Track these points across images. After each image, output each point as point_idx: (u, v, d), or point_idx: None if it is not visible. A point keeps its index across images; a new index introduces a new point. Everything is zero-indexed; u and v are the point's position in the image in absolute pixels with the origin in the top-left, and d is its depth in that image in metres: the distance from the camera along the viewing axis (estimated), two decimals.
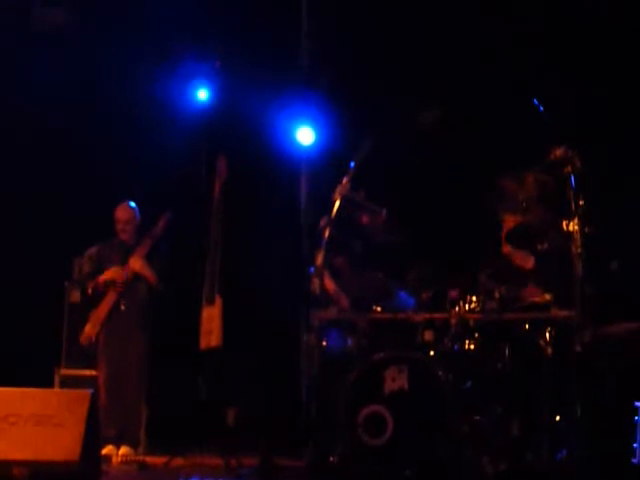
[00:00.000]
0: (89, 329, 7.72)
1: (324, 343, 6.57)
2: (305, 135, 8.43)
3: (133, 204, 7.88)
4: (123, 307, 7.73)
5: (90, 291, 7.77)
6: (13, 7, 8.57)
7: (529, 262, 6.50)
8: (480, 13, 7.88)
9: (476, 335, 6.36)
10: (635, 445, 1.32)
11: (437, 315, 6.50)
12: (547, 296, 6.23)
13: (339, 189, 6.60)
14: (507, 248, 6.62)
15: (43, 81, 8.37)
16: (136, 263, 7.72)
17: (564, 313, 6.06)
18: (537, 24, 7.71)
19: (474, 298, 6.39)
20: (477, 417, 6.24)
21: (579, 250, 5.79)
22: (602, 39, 7.55)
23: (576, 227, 5.80)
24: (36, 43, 8.49)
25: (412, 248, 6.95)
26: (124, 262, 7.75)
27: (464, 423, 6.17)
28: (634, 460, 1.33)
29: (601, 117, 7.39)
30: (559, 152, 5.90)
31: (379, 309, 6.72)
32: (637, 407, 1.33)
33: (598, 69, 7.49)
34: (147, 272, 7.70)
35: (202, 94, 8.55)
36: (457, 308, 6.40)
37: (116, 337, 7.69)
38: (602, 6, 7.56)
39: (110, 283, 7.72)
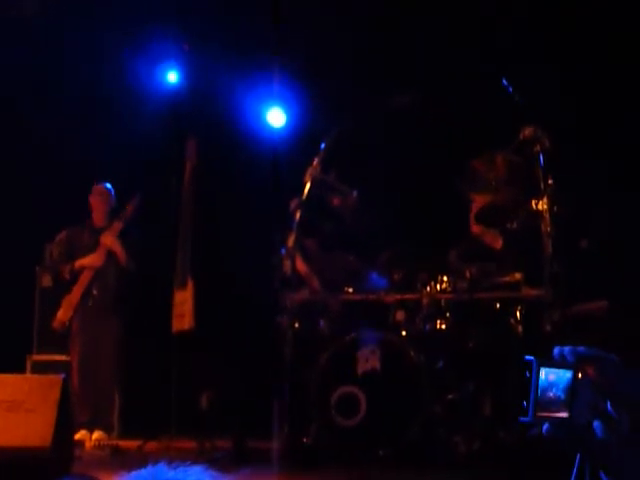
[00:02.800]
0: (62, 314, 7.70)
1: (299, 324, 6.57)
2: (276, 117, 8.40)
3: (109, 185, 7.88)
4: (95, 292, 7.71)
5: (67, 276, 7.74)
6: None
7: (499, 242, 6.53)
8: (456, 12, 7.87)
9: (447, 315, 6.39)
10: (525, 403, 1.34)
11: (408, 295, 6.52)
12: (517, 275, 6.26)
13: (310, 171, 6.60)
14: (477, 228, 6.65)
15: (11, 65, 8.29)
16: (107, 239, 7.72)
17: (534, 292, 6.09)
18: (504, 5, 7.71)
19: (445, 278, 6.41)
20: (450, 396, 6.27)
21: (549, 229, 5.81)
22: (570, 18, 7.56)
23: (545, 206, 5.82)
24: (3, 27, 8.40)
25: (383, 229, 6.96)
26: (95, 246, 7.73)
27: (437, 403, 6.21)
28: (524, 419, 1.34)
29: (569, 96, 7.42)
30: (528, 132, 5.92)
31: (351, 290, 6.73)
32: (528, 361, 1.33)
33: (566, 48, 7.50)
34: (118, 248, 7.69)
35: (172, 77, 8.50)
36: (428, 288, 6.42)
37: (88, 321, 7.67)
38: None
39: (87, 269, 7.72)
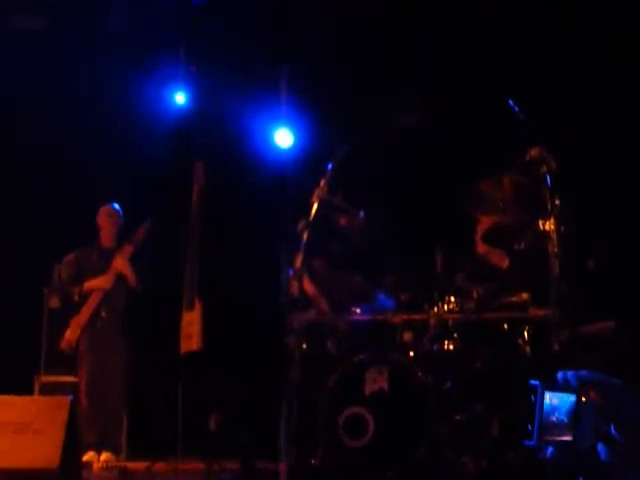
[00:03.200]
0: (69, 334, 7.71)
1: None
2: (283, 138, 8.43)
3: (117, 206, 7.90)
4: (104, 313, 7.72)
5: (77, 298, 7.75)
6: None
7: (505, 262, 6.53)
8: (456, 15, 7.90)
9: (455, 335, 6.38)
10: (530, 427, 1.34)
11: (416, 316, 6.51)
12: (524, 295, 6.25)
13: (317, 192, 6.60)
14: (482, 248, 6.64)
15: (21, 88, 8.34)
16: (118, 262, 7.73)
17: (542, 312, 6.07)
18: (510, 25, 7.73)
19: (452, 298, 6.41)
20: (457, 417, 6.25)
21: (556, 249, 5.80)
22: (578, 40, 7.58)
23: (552, 227, 5.81)
24: (10, 48, 8.45)
25: (390, 250, 6.96)
26: (104, 267, 7.74)
27: (445, 423, 6.18)
28: (529, 442, 1.34)
29: (576, 117, 7.42)
30: (534, 152, 5.91)
31: (358, 311, 6.73)
32: (534, 386, 1.33)
33: (573, 69, 7.52)
34: (128, 271, 7.70)
35: (179, 98, 8.54)
36: (435, 309, 6.42)
37: (96, 342, 7.68)
38: (578, 7, 7.60)
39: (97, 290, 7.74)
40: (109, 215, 7.90)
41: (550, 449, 1.39)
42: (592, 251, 6.36)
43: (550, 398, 1.36)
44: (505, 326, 6.27)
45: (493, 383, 6.21)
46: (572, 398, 1.36)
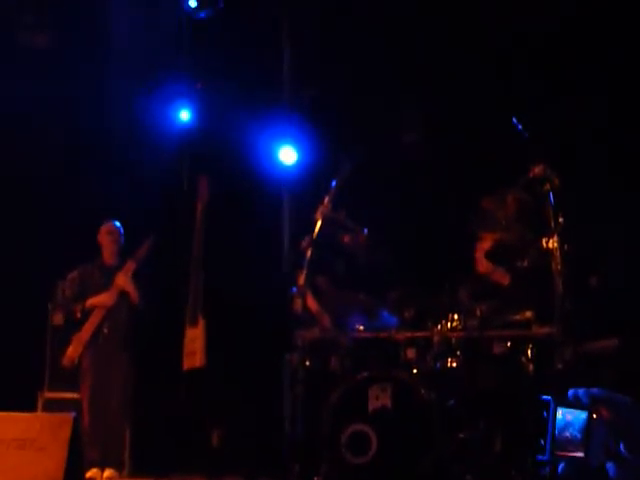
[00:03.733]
0: (71, 351, 7.71)
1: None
2: (287, 155, 8.46)
3: (118, 224, 7.91)
4: (106, 330, 7.72)
5: (79, 315, 7.75)
6: None
7: (507, 279, 6.53)
8: (458, 34, 7.93)
9: (458, 353, 6.38)
10: (542, 442, 1.35)
11: (419, 333, 6.51)
12: (528, 313, 6.25)
13: (321, 209, 6.63)
14: (484, 266, 6.64)
15: (24, 103, 8.36)
16: (120, 279, 7.73)
17: (545, 330, 6.08)
18: (513, 43, 7.76)
19: (455, 316, 6.41)
20: (461, 434, 6.25)
21: (559, 267, 5.81)
22: (581, 57, 7.60)
23: (555, 244, 5.82)
24: (14, 64, 8.49)
25: (393, 267, 6.97)
26: (107, 284, 7.75)
27: (448, 440, 6.18)
28: (541, 457, 1.35)
29: (579, 134, 7.44)
30: (538, 170, 5.93)
31: (361, 328, 6.73)
32: (546, 401, 1.34)
33: (576, 87, 7.54)
34: (131, 288, 7.70)
35: (184, 115, 8.58)
36: (439, 326, 6.42)
37: (98, 359, 7.68)
38: (579, 23, 7.62)
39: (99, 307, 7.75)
40: (109, 233, 7.90)
41: (562, 465, 1.40)
42: (595, 268, 6.36)
43: (563, 414, 1.37)
44: (508, 344, 6.27)
45: (496, 401, 6.21)
46: (584, 415, 1.36)
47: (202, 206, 7.83)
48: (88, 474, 7.09)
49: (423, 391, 6.17)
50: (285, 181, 8.56)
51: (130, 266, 7.77)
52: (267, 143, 8.44)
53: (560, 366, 5.79)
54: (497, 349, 6.27)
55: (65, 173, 8.51)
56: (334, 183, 6.67)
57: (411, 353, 6.47)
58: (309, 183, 8.05)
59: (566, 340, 5.85)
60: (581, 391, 1.44)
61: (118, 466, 7.56)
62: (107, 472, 7.45)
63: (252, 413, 8.05)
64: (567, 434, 1.44)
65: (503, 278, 6.54)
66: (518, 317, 6.31)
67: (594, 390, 1.44)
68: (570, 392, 1.45)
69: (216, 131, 8.38)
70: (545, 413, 1.44)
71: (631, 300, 6.26)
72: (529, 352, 6.17)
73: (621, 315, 6.12)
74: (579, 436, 1.44)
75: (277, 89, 8.73)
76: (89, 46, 8.56)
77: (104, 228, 7.90)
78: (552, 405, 1.44)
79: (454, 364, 6.38)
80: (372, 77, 8.17)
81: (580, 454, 1.43)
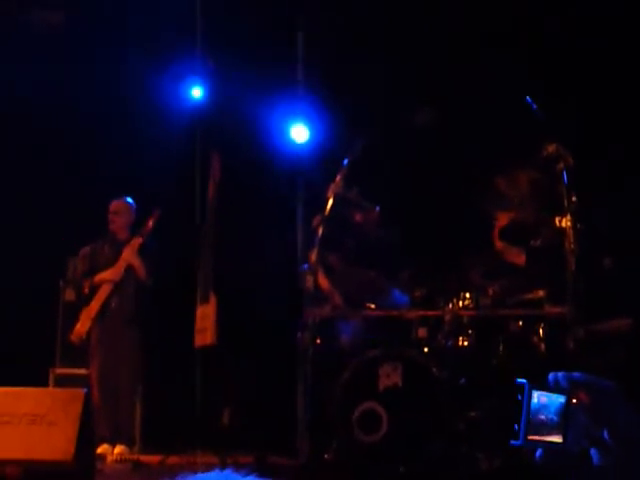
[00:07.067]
0: (79, 327, 7.73)
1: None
2: (299, 133, 8.44)
3: (130, 200, 7.91)
4: (113, 304, 7.74)
5: (87, 290, 7.78)
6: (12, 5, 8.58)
7: (522, 259, 6.51)
8: (471, 13, 7.88)
9: (470, 331, 6.36)
10: (516, 426, 1.32)
11: (431, 312, 6.50)
12: (540, 292, 6.23)
13: (332, 187, 6.60)
14: (500, 245, 6.63)
15: (37, 81, 8.36)
16: (127, 253, 7.75)
17: (557, 310, 6.06)
18: (526, 23, 7.71)
19: (467, 295, 6.39)
20: (472, 413, 6.24)
21: (572, 246, 5.79)
22: (595, 37, 7.55)
23: (569, 223, 5.79)
24: (28, 42, 8.47)
25: (405, 246, 6.95)
26: (116, 259, 7.76)
27: (458, 419, 6.18)
28: (515, 442, 1.32)
29: (593, 113, 7.40)
30: (551, 149, 5.90)
31: (373, 306, 6.73)
32: (520, 384, 1.31)
33: (590, 65, 7.49)
34: (137, 263, 7.71)
35: (196, 92, 8.55)
36: (450, 305, 6.41)
37: (107, 334, 7.70)
38: (592, 8, 7.57)
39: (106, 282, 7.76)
40: (119, 208, 7.91)
41: (539, 452, 1.37)
42: (609, 248, 6.33)
43: (538, 397, 1.34)
44: (520, 323, 6.26)
45: (507, 380, 6.19)
46: (562, 399, 1.33)
47: (214, 183, 7.81)
48: (99, 450, 7.12)
49: (434, 370, 6.16)
50: (297, 159, 8.54)
51: (137, 241, 7.79)
52: (279, 121, 8.42)
53: (572, 345, 5.77)
54: (509, 328, 6.26)
55: (78, 150, 8.51)
56: (346, 161, 6.64)
57: (422, 332, 6.46)
58: (321, 161, 8.03)
59: (578, 319, 5.83)
60: (561, 374, 1.41)
61: (129, 442, 7.59)
62: (118, 448, 7.47)
63: (263, 391, 8.06)
64: (542, 417, 1.40)
65: (517, 257, 6.52)
66: (530, 296, 6.30)
67: (575, 374, 1.41)
68: (550, 376, 1.42)
69: (229, 109, 8.36)
70: (519, 396, 1.41)
71: None
72: (541, 331, 6.16)
73: (634, 296, 6.09)
74: (555, 419, 1.40)
75: (290, 67, 8.70)
76: (103, 25, 8.54)
77: (114, 204, 7.91)
78: (527, 388, 1.41)
79: (465, 343, 6.37)
80: (386, 55, 8.13)
81: (556, 438, 1.40)
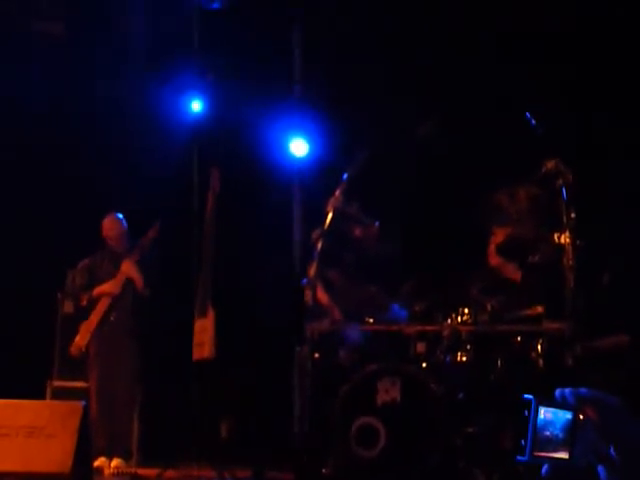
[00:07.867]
0: (79, 340, 7.74)
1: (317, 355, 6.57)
2: (298, 147, 8.44)
3: (120, 215, 7.90)
4: (113, 318, 7.75)
5: (85, 303, 7.78)
6: (13, 16, 8.59)
7: (518, 274, 6.51)
8: (472, 28, 7.90)
9: (468, 347, 6.36)
10: (522, 442, 1.32)
11: (429, 327, 6.50)
12: (539, 308, 6.23)
13: (332, 201, 6.60)
14: (495, 261, 6.63)
15: (37, 93, 8.37)
16: (126, 266, 7.75)
17: (556, 325, 6.06)
18: (527, 38, 7.73)
19: (466, 310, 6.39)
20: (469, 429, 6.24)
21: (571, 262, 5.79)
22: (595, 53, 7.57)
23: (568, 239, 5.80)
24: (27, 53, 8.49)
25: (404, 261, 6.96)
26: (115, 272, 7.77)
27: (456, 435, 6.17)
28: (521, 458, 1.32)
29: (592, 130, 7.42)
30: (550, 165, 5.90)
31: (372, 321, 6.73)
32: (528, 400, 1.31)
33: (588, 83, 7.51)
34: (135, 274, 7.72)
35: (195, 106, 8.56)
36: (449, 320, 6.41)
37: (106, 347, 7.70)
38: (590, 20, 7.60)
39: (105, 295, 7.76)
40: (111, 225, 7.90)
41: (545, 467, 1.36)
42: (607, 265, 6.34)
43: (544, 413, 1.33)
44: (519, 339, 6.25)
45: (506, 395, 6.19)
46: (568, 415, 1.32)
47: (213, 197, 7.83)
48: (96, 463, 7.10)
49: (432, 385, 6.16)
50: (296, 173, 8.55)
51: (136, 253, 7.80)
52: (278, 135, 8.43)
53: (570, 362, 5.77)
54: (508, 344, 6.26)
55: (78, 162, 8.52)
56: (346, 175, 6.65)
57: (421, 347, 6.46)
58: (320, 175, 8.04)
59: (577, 336, 5.83)
60: (568, 390, 1.41)
61: (126, 455, 7.58)
62: (115, 461, 7.46)
63: (261, 405, 8.05)
64: (547, 433, 1.40)
65: (514, 273, 6.52)
66: (529, 312, 6.29)
67: (582, 390, 1.41)
68: (557, 392, 1.42)
69: (228, 122, 8.37)
70: (526, 412, 1.41)
71: None
72: (540, 347, 6.15)
73: (633, 312, 6.09)
74: (560, 435, 1.40)
75: (289, 80, 8.72)
76: (102, 36, 8.55)
77: (105, 221, 7.89)
78: (533, 404, 1.41)
79: (464, 358, 6.36)
80: (385, 69, 8.15)
81: (562, 454, 1.40)
